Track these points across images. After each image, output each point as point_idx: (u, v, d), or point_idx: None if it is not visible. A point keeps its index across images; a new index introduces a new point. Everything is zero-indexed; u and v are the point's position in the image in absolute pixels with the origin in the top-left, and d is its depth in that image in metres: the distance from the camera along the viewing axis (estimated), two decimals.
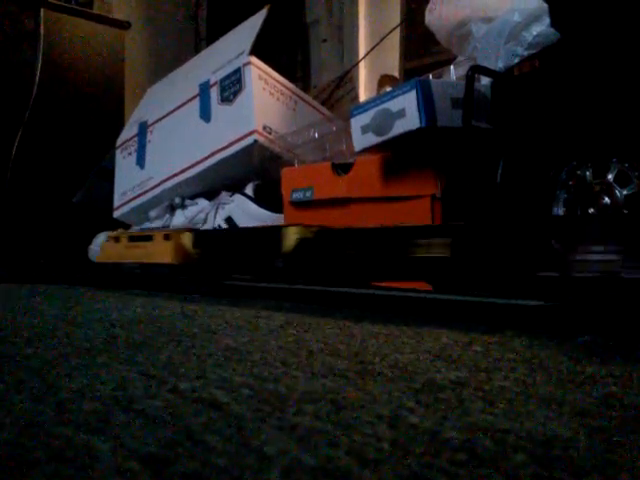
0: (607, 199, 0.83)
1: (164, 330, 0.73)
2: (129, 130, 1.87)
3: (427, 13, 1.19)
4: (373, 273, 0.92)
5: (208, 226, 1.49)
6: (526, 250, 0.74)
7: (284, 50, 2.51)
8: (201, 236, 1.18)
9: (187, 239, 1.17)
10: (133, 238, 1.33)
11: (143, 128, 1.79)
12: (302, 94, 1.69)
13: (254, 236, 1.10)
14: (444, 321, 0.81)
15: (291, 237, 0.98)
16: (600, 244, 0.70)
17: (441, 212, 0.99)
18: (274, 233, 1.00)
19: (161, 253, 1.20)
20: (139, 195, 1.74)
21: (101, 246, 1.44)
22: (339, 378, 0.49)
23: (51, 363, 0.54)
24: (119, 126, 2.03)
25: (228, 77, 1.57)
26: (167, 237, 1.21)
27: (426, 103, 0.92)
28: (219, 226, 1.47)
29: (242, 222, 1.45)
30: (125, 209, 1.78)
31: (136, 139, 1.81)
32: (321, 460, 0.30)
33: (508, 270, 0.75)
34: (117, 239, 1.37)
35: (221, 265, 1.15)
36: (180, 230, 1.23)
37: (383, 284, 1.00)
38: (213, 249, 1.15)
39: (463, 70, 0.98)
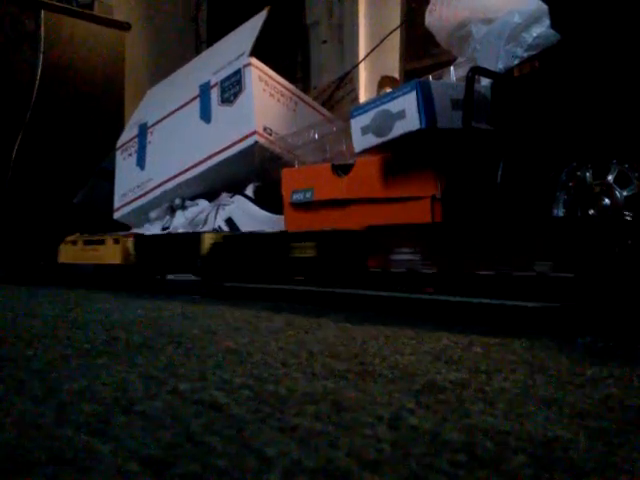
0: (607, 200, 0.83)
1: (164, 331, 0.73)
2: (129, 131, 1.87)
3: (427, 14, 1.19)
4: (266, 270, 1.09)
5: (208, 227, 1.49)
6: (361, 253, 0.94)
7: (284, 51, 2.52)
8: (139, 241, 1.34)
9: (130, 243, 1.33)
10: (88, 242, 1.47)
11: (143, 129, 1.79)
12: (302, 95, 1.69)
13: (178, 241, 1.29)
14: (444, 322, 0.81)
15: (206, 241, 1.15)
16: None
17: (441, 213, 0.99)
18: (194, 238, 1.18)
19: (111, 255, 1.36)
20: (139, 196, 1.74)
21: (59, 249, 1.56)
22: (339, 379, 0.49)
23: (51, 364, 0.54)
24: (119, 127, 2.03)
25: (228, 78, 1.57)
26: (116, 241, 1.36)
27: (426, 104, 0.92)
28: (219, 227, 1.47)
29: (242, 223, 1.45)
30: (125, 210, 1.78)
31: (136, 140, 1.81)
32: (321, 461, 0.30)
33: (347, 267, 0.97)
34: (74, 243, 1.51)
35: (154, 265, 1.31)
36: (126, 235, 1.38)
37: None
38: (148, 252, 1.32)
39: (463, 71, 0.98)
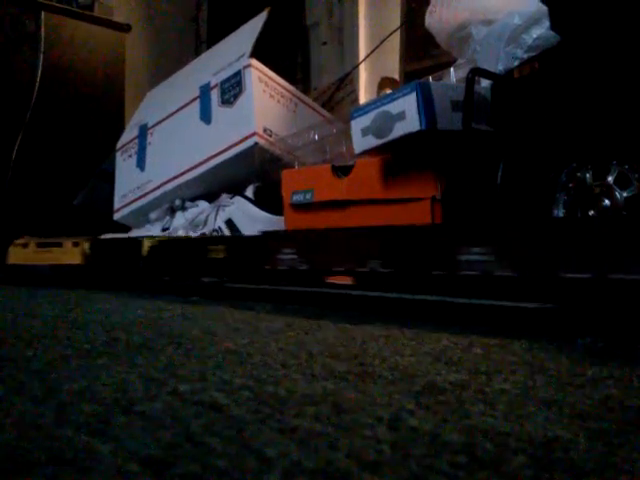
0: (607, 201, 0.83)
1: (164, 332, 0.73)
2: (129, 132, 1.87)
3: (427, 15, 1.19)
4: (192, 270, 1.28)
5: (208, 228, 1.49)
6: (258, 254, 1.12)
7: (284, 52, 2.52)
8: (93, 243, 1.51)
9: (86, 246, 1.50)
10: (42, 244, 1.57)
11: (143, 130, 1.79)
12: (302, 96, 1.69)
13: (123, 244, 1.48)
14: (444, 323, 0.81)
15: (146, 245, 1.34)
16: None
17: (441, 214, 0.99)
18: (136, 242, 1.38)
19: (71, 256, 1.51)
20: (139, 197, 1.74)
21: (8, 251, 1.63)
22: (339, 380, 0.49)
23: (51, 365, 0.54)
24: (119, 128, 2.03)
25: (228, 79, 1.57)
26: (76, 244, 1.50)
27: (426, 105, 0.92)
28: (219, 228, 1.47)
29: (242, 224, 1.45)
30: (125, 211, 1.78)
31: (136, 141, 1.81)
32: (321, 462, 0.30)
33: (247, 266, 1.15)
34: (25, 245, 1.60)
35: (104, 265, 1.49)
36: (84, 238, 1.53)
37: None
38: (99, 253, 1.49)
39: (463, 73, 0.98)
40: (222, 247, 1.19)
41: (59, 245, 1.52)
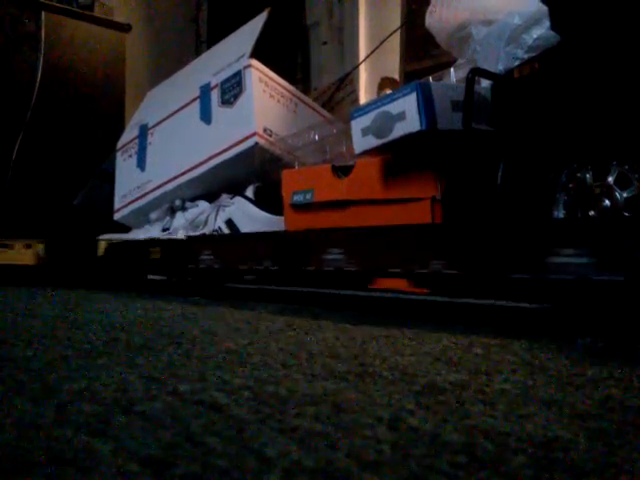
0: (607, 202, 0.83)
1: (164, 332, 0.73)
2: (130, 132, 1.87)
3: (427, 15, 1.19)
4: (140, 269, 1.47)
5: (209, 228, 1.49)
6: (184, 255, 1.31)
7: (284, 52, 2.52)
8: (47, 245, 1.63)
9: (41, 248, 1.62)
10: None
11: (144, 130, 1.79)
12: (302, 96, 1.69)
13: (82, 244, 1.60)
14: (444, 323, 0.81)
15: (102, 245, 1.51)
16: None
17: (441, 214, 0.99)
18: (93, 242, 1.53)
19: (22, 258, 1.64)
20: (139, 198, 1.73)
21: None
22: (339, 380, 0.49)
23: (51, 365, 0.54)
24: (120, 128, 2.03)
25: (229, 80, 1.57)
26: (28, 246, 1.64)
27: (426, 106, 0.92)
28: (219, 228, 1.47)
29: (243, 224, 1.45)
30: (125, 212, 1.78)
31: (137, 141, 1.81)
32: (321, 462, 0.30)
33: (176, 265, 1.35)
34: None
35: (60, 265, 1.61)
36: (37, 241, 1.65)
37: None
38: (55, 254, 1.61)
39: (463, 73, 0.98)
40: (158, 249, 1.37)
41: (10, 247, 1.62)
